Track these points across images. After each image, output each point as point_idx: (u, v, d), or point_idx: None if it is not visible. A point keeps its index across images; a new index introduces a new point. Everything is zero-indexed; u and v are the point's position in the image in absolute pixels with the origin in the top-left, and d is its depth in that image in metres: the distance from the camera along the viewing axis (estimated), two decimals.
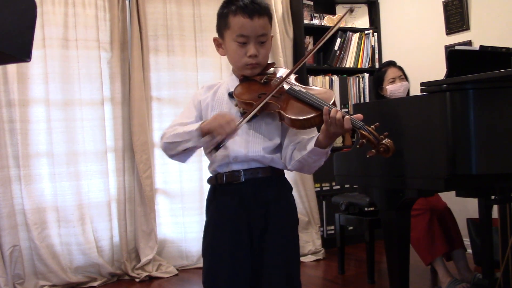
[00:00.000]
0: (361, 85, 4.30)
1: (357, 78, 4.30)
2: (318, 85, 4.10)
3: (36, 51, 3.21)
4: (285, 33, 4.05)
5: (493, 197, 2.54)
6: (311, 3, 4.28)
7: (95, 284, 3.35)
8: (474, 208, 2.78)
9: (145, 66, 3.59)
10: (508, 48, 2.22)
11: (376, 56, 4.39)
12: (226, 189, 1.57)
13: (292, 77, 1.59)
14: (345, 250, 3.40)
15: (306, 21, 4.14)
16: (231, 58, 1.61)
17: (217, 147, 1.43)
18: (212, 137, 1.44)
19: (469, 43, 3.57)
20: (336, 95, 1.54)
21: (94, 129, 3.46)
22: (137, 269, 3.48)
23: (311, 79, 4.11)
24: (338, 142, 4.14)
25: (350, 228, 3.93)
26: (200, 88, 1.72)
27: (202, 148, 1.60)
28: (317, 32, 4.22)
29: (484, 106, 1.77)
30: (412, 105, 2.01)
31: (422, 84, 1.90)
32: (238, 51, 1.55)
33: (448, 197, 2.89)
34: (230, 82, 1.63)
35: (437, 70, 3.22)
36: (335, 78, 4.20)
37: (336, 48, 4.23)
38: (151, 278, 3.46)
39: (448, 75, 1.92)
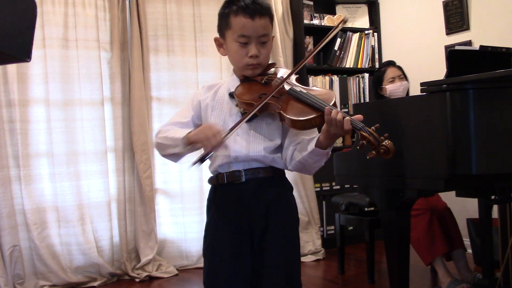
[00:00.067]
0: (361, 85, 4.30)
1: (357, 78, 4.30)
2: (318, 85, 4.10)
3: (36, 51, 3.21)
4: (285, 33, 4.05)
5: (493, 197, 2.54)
6: (311, 3, 4.28)
7: (95, 284, 3.35)
8: (474, 208, 2.78)
9: (145, 66, 3.59)
10: (508, 48, 2.22)
11: (376, 56, 4.39)
12: (227, 189, 1.57)
13: (293, 78, 1.59)
14: (345, 250, 3.40)
15: (306, 21, 4.14)
16: (232, 58, 1.61)
17: (202, 160, 1.42)
18: (197, 148, 1.44)
19: (469, 43, 3.57)
20: (336, 95, 1.54)
21: (94, 129, 3.46)
22: (137, 269, 3.48)
23: (311, 79, 4.11)
24: (338, 142, 4.14)
25: (350, 228, 3.93)
26: (200, 88, 1.72)
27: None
28: (317, 32, 4.22)
29: (484, 106, 1.77)
30: (412, 105, 2.01)
31: (422, 84, 1.90)
32: (239, 51, 1.55)
33: (448, 197, 2.89)
34: (231, 82, 1.63)
35: (437, 70, 3.22)
36: (335, 78, 4.20)
37: (336, 48, 4.23)
38: (151, 278, 3.46)
39: (448, 75, 1.92)
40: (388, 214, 2.05)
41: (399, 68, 3.17)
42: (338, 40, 4.23)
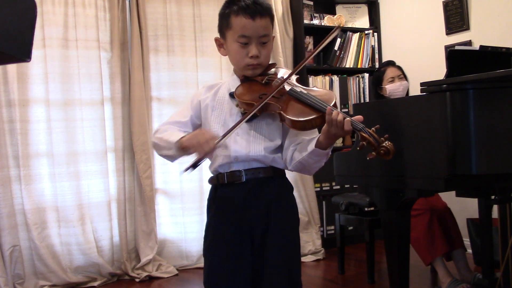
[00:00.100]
0: (361, 85, 4.30)
1: (357, 78, 4.30)
2: (318, 85, 4.10)
3: (36, 51, 3.21)
4: (285, 33, 4.05)
5: (493, 197, 2.54)
6: (311, 3, 4.28)
7: (95, 284, 3.35)
8: (474, 208, 2.78)
9: (145, 66, 3.59)
10: (508, 48, 2.22)
11: (376, 56, 4.39)
12: (227, 189, 1.57)
13: (293, 78, 1.59)
14: (345, 250, 3.40)
15: (306, 21, 4.14)
16: (232, 58, 1.61)
17: (195, 166, 1.42)
18: (190, 153, 1.44)
19: (469, 43, 3.57)
20: (336, 95, 1.54)
21: (94, 129, 3.46)
22: (137, 269, 3.48)
23: (311, 79, 4.11)
24: (338, 142, 4.14)
25: (350, 228, 3.93)
26: (200, 88, 1.72)
27: None
28: (317, 32, 4.22)
29: (484, 106, 1.77)
30: (412, 105, 2.00)
31: (422, 84, 1.90)
32: (240, 52, 1.55)
33: (448, 197, 2.89)
34: (231, 82, 1.63)
35: (437, 70, 3.22)
36: (335, 78, 4.20)
37: (336, 48, 4.23)
38: (151, 278, 3.46)
39: (448, 75, 1.92)
40: (388, 214, 2.05)
41: (399, 68, 3.17)
42: (338, 40, 4.23)
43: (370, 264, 3.05)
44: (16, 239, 3.18)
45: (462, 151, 1.77)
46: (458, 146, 1.77)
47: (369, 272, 3.06)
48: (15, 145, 3.23)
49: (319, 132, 1.45)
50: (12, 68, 3.20)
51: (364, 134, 1.35)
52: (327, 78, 4.18)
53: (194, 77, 3.79)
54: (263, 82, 1.56)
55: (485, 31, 3.49)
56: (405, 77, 3.14)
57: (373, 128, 1.36)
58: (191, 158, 1.44)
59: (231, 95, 1.58)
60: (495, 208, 2.52)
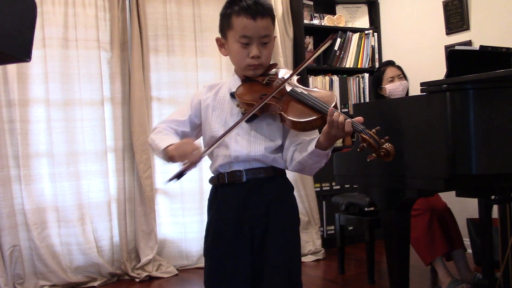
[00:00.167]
0: (361, 85, 4.30)
1: (357, 78, 4.30)
2: (318, 85, 4.10)
3: (36, 51, 3.21)
4: (285, 33, 4.05)
5: (493, 197, 2.54)
6: (311, 3, 4.28)
7: (95, 284, 3.35)
8: (474, 208, 2.78)
9: (145, 66, 3.59)
10: (508, 48, 2.22)
11: (376, 56, 4.39)
12: (227, 189, 1.57)
13: (294, 79, 1.59)
14: (345, 250, 3.40)
15: (306, 21, 4.14)
16: (233, 58, 1.61)
17: (179, 176, 1.41)
18: (175, 162, 1.44)
19: (469, 43, 3.57)
20: (336, 96, 1.54)
21: (94, 129, 3.46)
22: (137, 269, 3.48)
23: (311, 79, 4.11)
24: (338, 142, 4.14)
25: (350, 228, 3.93)
26: (201, 88, 1.72)
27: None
28: (317, 32, 4.22)
29: (484, 106, 1.77)
30: (412, 105, 2.00)
31: (422, 84, 1.90)
32: (241, 52, 1.55)
33: (448, 197, 2.89)
34: (232, 82, 1.63)
35: (437, 70, 3.22)
36: (335, 78, 4.20)
37: (336, 48, 4.23)
38: (151, 278, 3.46)
39: (448, 75, 1.92)
40: (388, 214, 2.05)
41: (399, 67, 3.17)
42: (338, 40, 4.23)
43: (370, 264, 3.05)
44: (16, 239, 3.18)
45: (462, 151, 1.77)
46: (458, 146, 1.77)
47: (369, 272, 3.06)
48: (15, 145, 3.23)
49: (320, 133, 1.45)
50: (12, 68, 3.20)
51: (364, 136, 1.35)
52: (327, 78, 4.18)
53: (194, 77, 3.79)
54: (264, 82, 1.56)
55: (485, 31, 3.49)
56: (404, 77, 3.14)
57: (373, 130, 1.36)
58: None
59: (232, 95, 1.58)
60: (495, 208, 2.52)
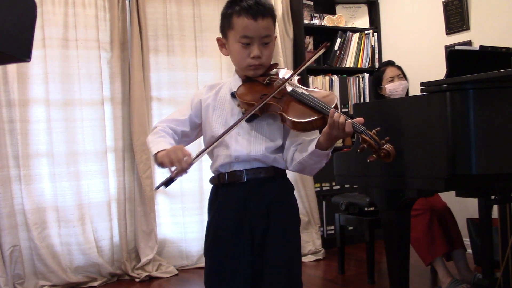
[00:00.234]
0: (361, 85, 4.30)
1: (357, 78, 4.30)
2: (318, 85, 4.10)
3: (36, 51, 3.21)
4: (285, 33, 4.05)
5: (493, 197, 2.54)
6: (311, 3, 4.28)
7: (95, 284, 3.35)
8: (474, 208, 2.78)
9: (145, 66, 3.59)
10: (508, 48, 2.22)
11: (376, 56, 4.39)
12: (228, 189, 1.57)
13: (295, 79, 1.59)
14: (345, 250, 3.40)
15: (306, 21, 4.14)
16: (234, 58, 1.61)
17: (167, 183, 1.41)
18: (163, 168, 1.44)
19: (469, 43, 3.57)
20: (336, 96, 1.54)
21: (94, 129, 3.46)
22: (137, 269, 3.48)
23: (311, 79, 4.11)
24: (338, 142, 4.14)
25: (350, 228, 3.93)
26: (202, 88, 1.72)
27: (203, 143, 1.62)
28: (317, 32, 4.22)
29: (484, 106, 1.77)
30: (412, 105, 2.00)
31: (422, 84, 1.90)
32: (242, 52, 1.55)
33: (448, 197, 2.89)
34: (233, 82, 1.63)
35: (437, 70, 3.22)
36: (335, 78, 4.20)
37: (336, 48, 4.23)
38: (151, 278, 3.46)
39: (448, 75, 1.92)
40: (388, 214, 2.05)
41: (398, 67, 3.17)
42: (338, 40, 4.23)
43: (370, 264, 3.05)
44: (16, 239, 3.18)
45: (462, 151, 1.76)
46: (458, 146, 1.77)
47: (369, 272, 3.06)
48: (15, 145, 3.23)
49: (320, 133, 1.45)
50: (12, 68, 3.20)
51: (365, 137, 1.36)
52: (327, 78, 4.18)
53: (194, 77, 3.79)
54: (265, 82, 1.56)
55: (485, 31, 3.49)
56: (404, 77, 3.14)
57: (373, 131, 1.36)
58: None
59: (233, 95, 1.58)
60: (495, 208, 2.52)
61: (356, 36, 4.32)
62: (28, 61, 1.11)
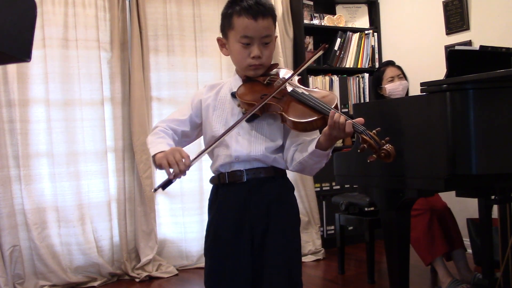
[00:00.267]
0: (361, 85, 4.30)
1: (357, 78, 4.30)
2: (318, 85, 4.10)
3: (36, 51, 3.21)
4: (285, 33, 4.05)
5: (493, 197, 2.54)
6: (311, 3, 4.28)
7: (95, 284, 3.35)
8: (474, 208, 2.78)
9: (145, 66, 3.59)
10: (508, 48, 2.22)
11: (376, 56, 4.39)
12: (228, 189, 1.57)
13: (295, 79, 1.59)
14: (345, 250, 3.40)
15: (306, 21, 4.14)
16: (234, 58, 1.61)
17: (164, 186, 1.40)
18: (161, 169, 1.43)
19: (469, 43, 3.57)
20: (337, 96, 1.54)
21: (94, 129, 3.46)
22: (137, 269, 3.48)
23: (311, 79, 4.11)
24: (338, 142, 4.14)
25: (350, 228, 3.93)
26: (202, 87, 1.72)
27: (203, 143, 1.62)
28: (317, 32, 4.22)
29: (484, 106, 1.77)
30: (412, 105, 2.00)
31: (422, 84, 1.90)
32: (242, 52, 1.55)
33: (448, 197, 2.89)
34: (233, 82, 1.63)
35: (437, 70, 3.22)
36: (335, 78, 4.20)
37: (336, 48, 4.23)
38: (151, 278, 3.46)
39: (448, 75, 1.92)
40: (388, 214, 2.05)
41: (398, 67, 3.17)
42: (338, 40, 4.23)
43: (370, 264, 3.05)
44: (16, 239, 3.18)
45: (462, 151, 1.77)
46: (458, 146, 1.77)
47: (369, 272, 3.05)
48: (15, 145, 3.23)
49: (320, 133, 1.45)
50: (12, 68, 3.20)
51: (365, 137, 1.36)
52: (327, 78, 4.18)
53: (194, 77, 3.79)
54: (265, 82, 1.56)
55: (485, 31, 3.49)
56: (404, 77, 3.14)
57: (374, 131, 1.37)
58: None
59: (233, 95, 1.58)
60: (495, 208, 2.52)
61: (356, 36, 4.32)
62: (28, 61, 1.11)
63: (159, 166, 1.44)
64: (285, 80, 1.53)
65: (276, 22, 1.63)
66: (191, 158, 1.42)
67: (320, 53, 1.59)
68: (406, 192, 1.96)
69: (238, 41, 1.54)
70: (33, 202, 3.26)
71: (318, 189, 4.05)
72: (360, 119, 1.39)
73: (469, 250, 3.16)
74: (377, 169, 2.05)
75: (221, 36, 1.64)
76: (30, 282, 3.21)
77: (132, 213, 3.57)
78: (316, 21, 4.25)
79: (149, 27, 3.65)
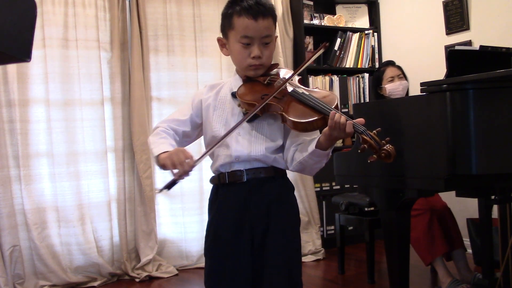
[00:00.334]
0: (361, 85, 4.30)
1: (357, 78, 4.30)
2: (318, 85, 4.10)
3: (36, 51, 3.21)
4: (285, 33, 4.05)
5: (493, 197, 2.54)
6: (311, 3, 4.28)
7: (95, 284, 3.35)
8: (474, 208, 2.78)
9: (145, 66, 3.59)
10: (508, 48, 2.22)
11: (376, 56, 4.39)
12: (228, 189, 1.57)
13: (296, 79, 1.59)
14: (345, 250, 3.40)
15: (306, 21, 4.14)
16: (234, 58, 1.61)
17: (169, 186, 1.41)
18: (165, 170, 1.43)
19: (469, 43, 3.57)
20: (337, 96, 1.54)
21: (94, 129, 3.46)
22: (137, 269, 3.48)
23: (311, 79, 4.11)
24: (338, 142, 4.14)
25: (350, 228, 3.93)
26: (202, 87, 1.72)
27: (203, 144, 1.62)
28: (317, 32, 4.22)
29: (484, 106, 1.77)
30: (412, 105, 2.00)
31: (422, 84, 1.90)
32: (242, 52, 1.55)
33: (448, 197, 2.89)
34: (234, 82, 1.63)
35: (437, 70, 3.22)
36: (335, 78, 4.20)
37: (336, 48, 4.23)
38: (151, 278, 3.46)
39: (448, 75, 1.92)
40: (388, 214, 2.05)
41: (399, 67, 3.17)
42: (338, 40, 4.23)
43: (370, 264, 3.05)
44: (16, 239, 3.18)
45: (462, 151, 1.77)
46: (458, 146, 1.77)
47: (369, 272, 3.06)
48: (15, 145, 3.23)
49: (320, 133, 1.45)
50: (12, 68, 3.20)
51: (365, 137, 1.36)
52: (327, 78, 4.18)
53: (194, 77, 3.79)
54: (265, 82, 1.56)
55: (485, 31, 3.49)
56: (404, 77, 3.14)
57: (374, 131, 1.37)
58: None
59: (233, 95, 1.58)
60: (495, 208, 2.52)
61: (356, 36, 4.32)
62: (28, 61, 1.11)
63: (163, 167, 1.45)
64: (286, 80, 1.53)
65: (276, 22, 1.63)
66: (195, 158, 1.41)
67: (321, 51, 1.59)
68: (406, 192, 1.96)
69: (238, 41, 1.54)
70: (33, 202, 3.26)
71: (318, 189, 4.05)
72: (361, 120, 1.39)
73: (469, 250, 3.16)
74: (377, 169, 2.05)
75: (221, 36, 1.64)
76: (30, 282, 3.21)
77: (132, 213, 3.57)
78: (316, 21, 4.25)
79: (149, 27, 3.65)
